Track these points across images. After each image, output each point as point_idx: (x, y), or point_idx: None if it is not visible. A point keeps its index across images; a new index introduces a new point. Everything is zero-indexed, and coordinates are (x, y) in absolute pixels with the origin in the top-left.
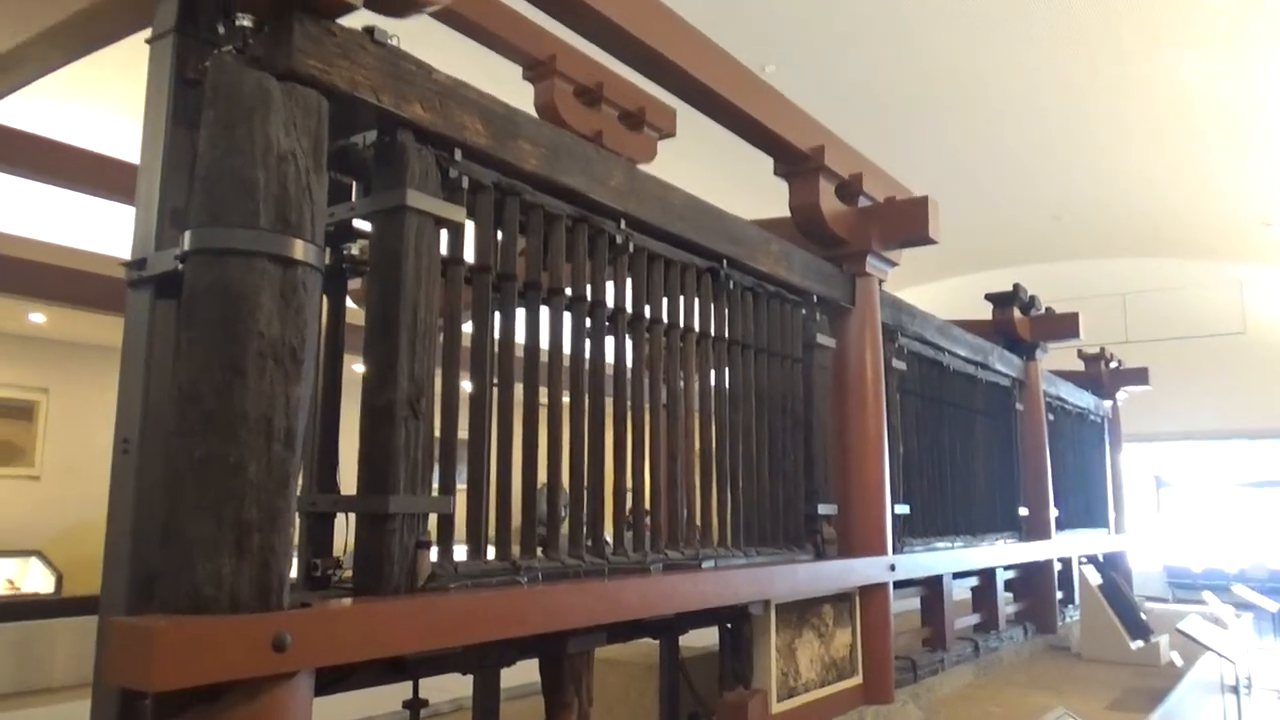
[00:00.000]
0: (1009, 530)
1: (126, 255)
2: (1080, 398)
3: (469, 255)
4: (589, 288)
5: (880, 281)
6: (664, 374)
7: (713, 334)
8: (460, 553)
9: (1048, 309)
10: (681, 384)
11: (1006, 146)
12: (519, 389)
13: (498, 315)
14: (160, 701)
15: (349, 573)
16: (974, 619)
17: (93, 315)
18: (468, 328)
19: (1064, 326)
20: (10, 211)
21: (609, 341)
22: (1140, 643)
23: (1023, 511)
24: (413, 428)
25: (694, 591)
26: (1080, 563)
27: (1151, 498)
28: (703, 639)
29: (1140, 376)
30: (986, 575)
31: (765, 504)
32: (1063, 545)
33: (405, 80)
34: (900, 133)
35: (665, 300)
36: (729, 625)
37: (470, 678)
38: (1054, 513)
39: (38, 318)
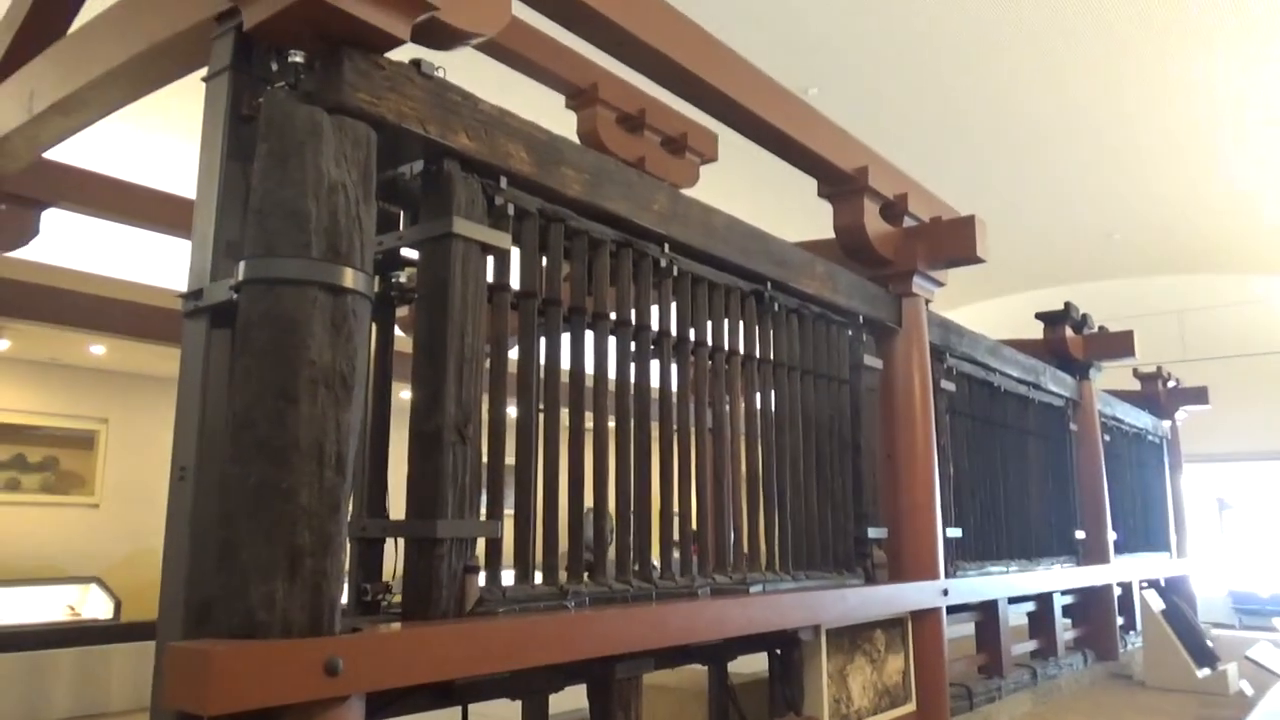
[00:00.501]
0: (1066, 554)
1: (184, 288)
2: (1137, 418)
3: (515, 281)
4: (633, 312)
5: (927, 301)
6: (709, 397)
7: (758, 356)
8: (508, 578)
9: (1101, 327)
10: (727, 407)
11: (1055, 164)
12: (565, 414)
13: (543, 340)
14: None
15: (398, 597)
16: (1031, 645)
17: (151, 347)
18: (514, 354)
19: (1118, 345)
20: (72, 247)
21: (654, 365)
22: (1207, 670)
23: (1079, 535)
24: (460, 453)
25: (742, 616)
26: (1141, 587)
27: (1214, 520)
28: (752, 665)
29: (1199, 395)
30: (1043, 600)
31: (814, 527)
32: (1122, 569)
33: (451, 110)
34: (945, 153)
35: (710, 323)
36: (779, 651)
37: (519, 703)
38: (1112, 536)
39: (98, 349)
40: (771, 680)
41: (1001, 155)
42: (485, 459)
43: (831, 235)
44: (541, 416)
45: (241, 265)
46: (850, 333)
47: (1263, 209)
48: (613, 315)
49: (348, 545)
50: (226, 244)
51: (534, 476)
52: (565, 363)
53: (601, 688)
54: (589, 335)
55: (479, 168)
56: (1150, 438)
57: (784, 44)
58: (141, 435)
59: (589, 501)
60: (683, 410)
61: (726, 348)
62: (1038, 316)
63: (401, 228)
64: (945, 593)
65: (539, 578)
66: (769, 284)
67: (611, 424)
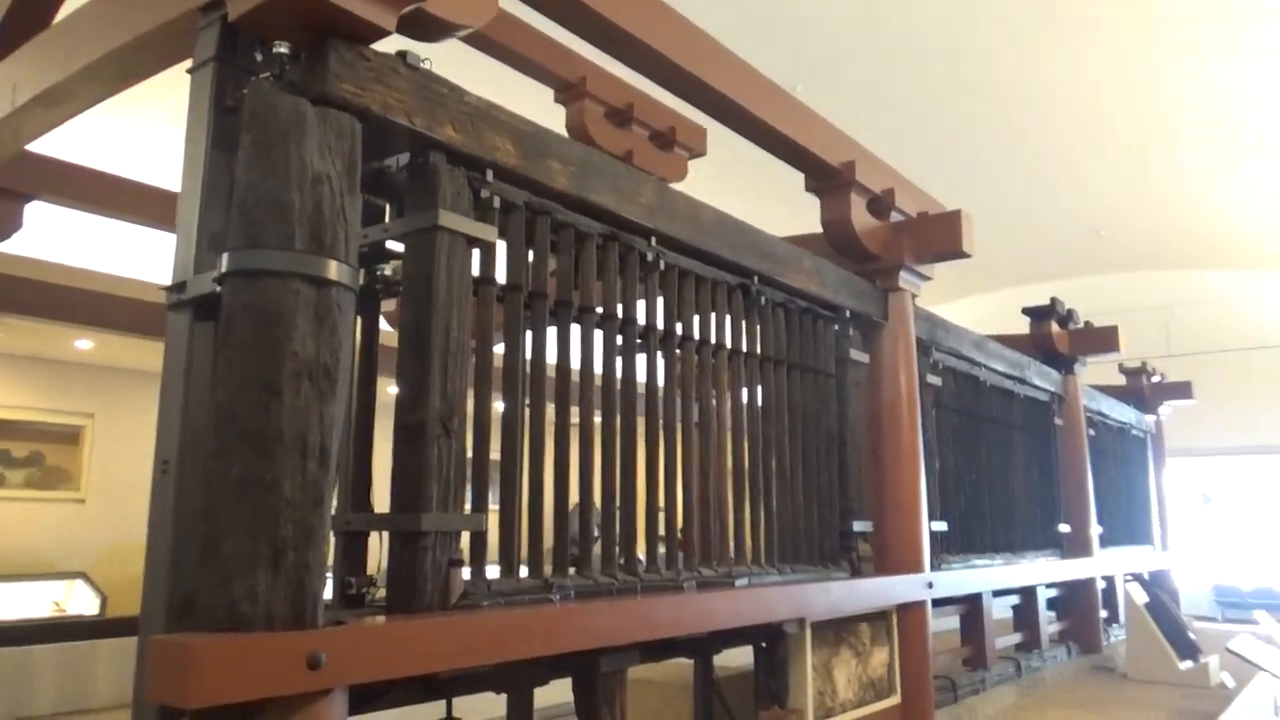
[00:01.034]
0: (1050, 547)
1: (168, 280)
2: (1122, 412)
3: (500, 275)
4: (620, 305)
5: (914, 296)
6: (696, 391)
7: (744, 350)
8: (493, 572)
9: (1086, 323)
10: (714, 401)
11: (1042, 160)
12: (550, 408)
13: (529, 334)
14: (198, 718)
15: (383, 591)
16: (1015, 638)
17: (137, 341)
18: (500, 348)
19: (1103, 340)
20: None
21: (640, 359)
22: (1189, 663)
23: (1064, 528)
24: (445, 446)
25: (728, 609)
26: (1125, 581)
27: (1197, 514)
28: (738, 658)
29: (1183, 390)
30: (1028, 593)
31: (799, 521)
32: (1106, 563)
33: (437, 103)
34: (932, 149)
35: (696, 317)
36: (764, 644)
37: (504, 697)
38: (1096, 529)
39: (84, 344)
40: (756, 673)
41: (989, 151)
42: (470, 452)
43: (819, 230)
44: (527, 410)
45: (225, 257)
46: (837, 327)
47: (1248, 206)
48: (599, 309)
49: (331, 538)
50: (210, 236)
51: (519, 471)
52: (551, 357)
53: (586, 681)
54: (575, 329)
55: (465, 160)
56: (1134, 432)
57: (772, 39)
58: (127, 430)
59: (574, 496)
60: (669, 404)
61: (713, 342)
62: (1024, 311)
63: (387, 220)
64: (930, 586)
65: (524, 571)
66: (756, 278)
67: (598, 418)
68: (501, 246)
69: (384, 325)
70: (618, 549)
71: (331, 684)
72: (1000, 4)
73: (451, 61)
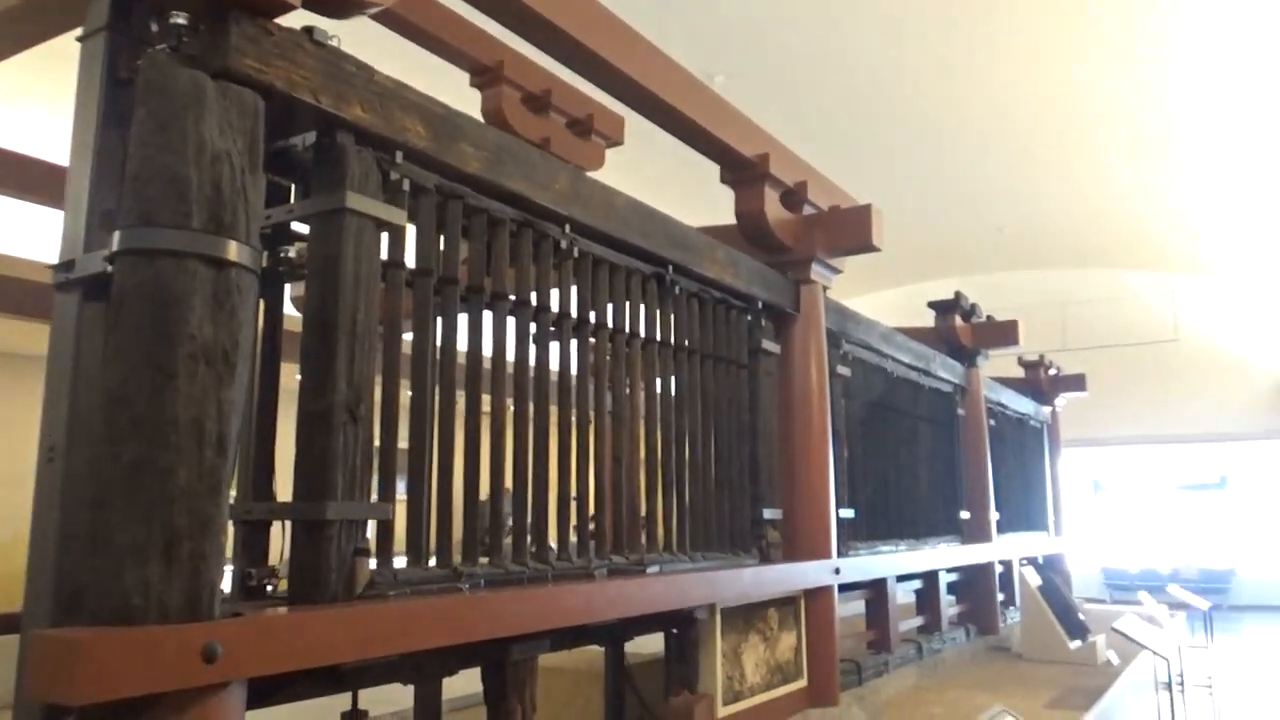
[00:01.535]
0: (951, 533)
1: (55, 259)
2: (1020, 404)
3: (411, 259)
4: (533, 293)
5: (825, 288)
6: (609, 380)
7: (658, 339)
8: (401, 562)
9: (989, 317)
10: (627, 390)
11: (951, 159)
12: (461, 396)
13: (439, 320)
14: (85, 716)
15: (285, 582)
16: (918, 621)
17: (17, 323)
18: (409, 335)
19: (1004, 334)
20: None
21: (554, 347)
22: (1078, 642)
23: (964, 515)
24: (351, 433)
25: (639, 596)
26: (1020, 565)
27: (1089, 501)
28: (649, 645)
29: (1078, 383)
30: (930, 578)
31: (711, 509)
32: (1004, 548)
33: (345, 81)
34: (846, 145)
35: (610, 305)
36: (674, 631)
37: (411, 688)
38: (995, 516)
39: None
40: (667, 660)
41: (900, 149)
42: (377, 440)
43: (733, 222)
44: (437, 398)
45: (117, 235)
46: (749, 318)
47: (1141, 209)
48: (512, 296)
49: (231, 528)
50: (101, 213)
51: (428, 459)
52: (463, 344)
53: (496, 670)
54: (487, 316)
55: (374, 141)
56: (1032, 423)
57: (690, 31)
58: (8, 417)
59: (485, 483)
60: (582, 393)
61: (627, 330)
62: (929, 305)
63: (292, 201)
64: (837, 571)
65: (433, 561)
66: (670, 267)
67: (510, 406)
68: (411, 231)
69: (290, 310)
70: (529, 537)
71: (228, 677)
72: (919, 12)
73: (364, 42)
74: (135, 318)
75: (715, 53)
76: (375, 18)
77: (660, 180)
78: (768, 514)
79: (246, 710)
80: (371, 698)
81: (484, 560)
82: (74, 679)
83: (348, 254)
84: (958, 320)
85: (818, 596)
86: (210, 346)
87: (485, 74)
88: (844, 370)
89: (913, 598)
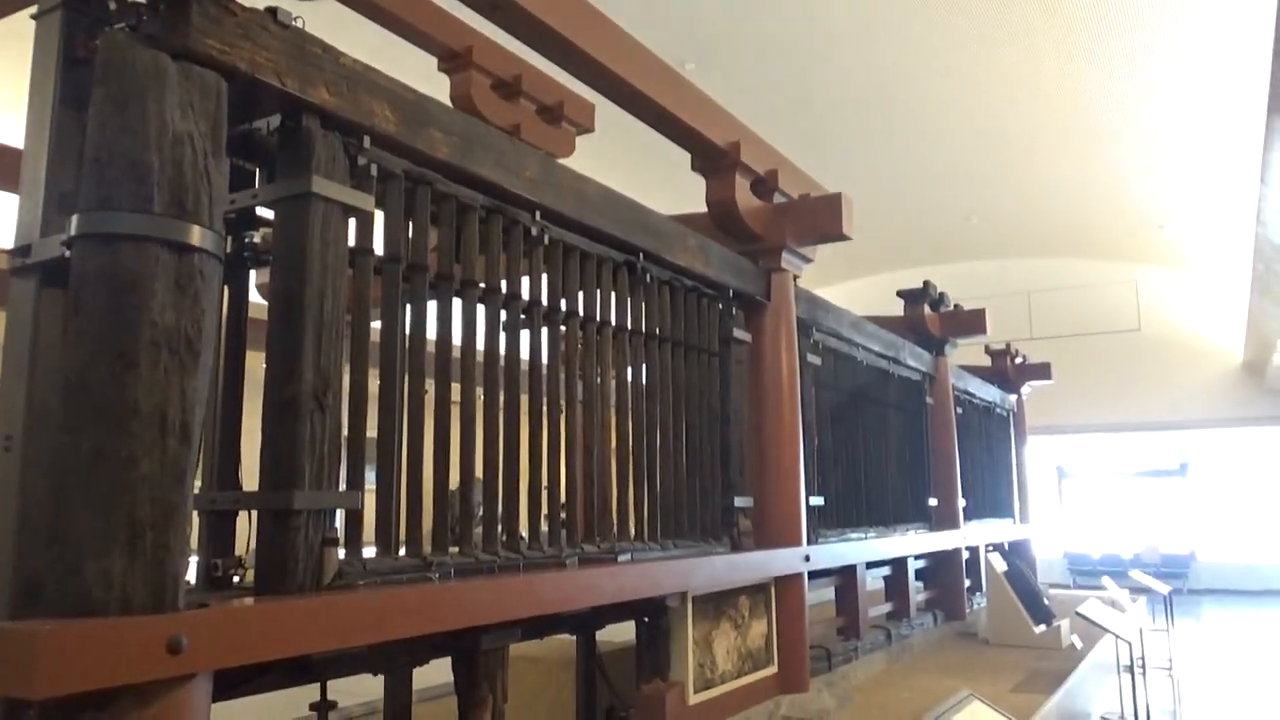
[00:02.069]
0: (920, 520)
1: (9, 244)
2: (987, 392)
3: (379, 246)
4: (503, 280)
5: (795, 277)
6: (580, 368)
7: (630, 327)
8: (370, 552)
9: (956, 306)
10: (598, 378)
11: (921, 149)
12: (430, 384)
13: (408, 308)
14: (46, 710)
15: (252, 573)
16: (886, 607)
17: None
18: (378, 323)
19: (971, 323)
20: None
21: (524, 335)
22: (1043, 627)
23: (932, 502)
24: (319, 422)
25: (610, 585)
26: (987, 551)
27: (1054, 488)
28: (620, 634)
29: (1043, 372)
30: (898, 565)
31: (682, 497)
32: (970, 534)
33: (311, 64)
34: (817, 134)
35: (581, 293)
36: (646, 619)
37: (381, 679)
38: (962, 503)
39: None
40: (639, 648)
41: (871, 139)
42: (345, 429)
43: (704, 210)
44: (406, 386)
45: (75, 219)
46: (721, 306)
47: (1106, 200)
48: (482, 284)
49: (196, 518)
50: (59, 196)
51: (397, 447)
52: (432, 332)
53: (467, 660)
54: (457, 303)
55: (341, 125)
56: (999, 410)
57: (662, 18)
58: None
59: (455, 474)
60: (553, 381)
61: (598, 318)
62: (898, 294)
63: (257, 185)
64: (807, 559)
65: (402, 551)
66: (641, 255)
67: (480, 395)
68: (379, 217)
69: (256, 297)
70: (500, 527)
71: (194, 669)
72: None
73: (328, 25)
74: (95, 304)
75: (687, 40)
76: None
77: (631, 168)
78: (739, 502)
79: (213, 702)
80: (341, 689)
81: (454, 550)
82: (34, 673)
83: (314, 240)
84: (926, 309)
85: (788, 583)
86: (173, 333)
87: (454, 59)
88: (814, 359)
89: (881, 584)
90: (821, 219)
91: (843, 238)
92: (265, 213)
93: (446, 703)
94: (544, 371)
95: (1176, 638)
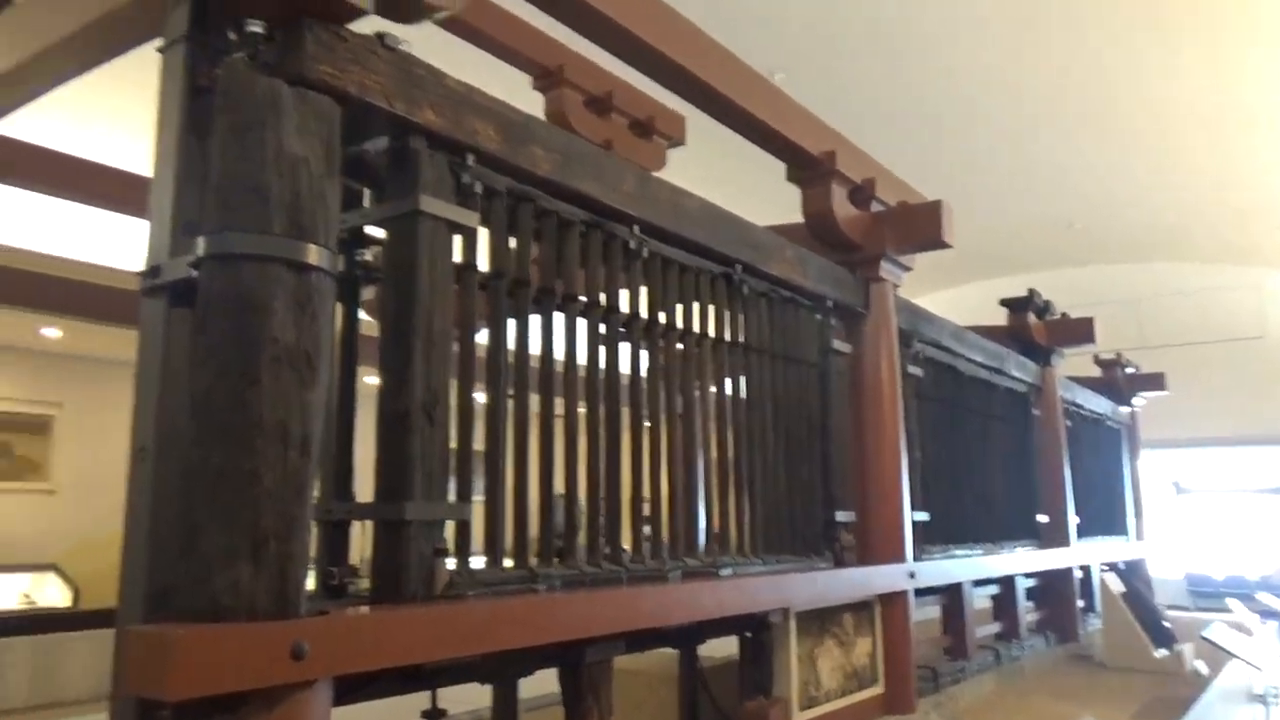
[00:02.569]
0: (1028, 537)
1: (139, 267)
2: (1097, 403)
3: (483, 262)
4: (603, 294)
5: (895, 286)
6: (679, 380)
7: (728, 339)
8: (478, 562)
9: (1063, 314)
10: (697, 391)
11: (1020, 152)
12: (535, 397)
13: (512, 322)
14: (179, 711)
15: (366, 582)
16: (995, 627)
17: (106, 329)
18: (482, 338)
19: (1079, 331)
20: (24, 226)
21: (624, 348)
22: (1164, 651)
23: (1042, 519)
24: (428, 435)
25: (712, 599)
26: (1101, 570)
27: (1171, 505)
28: (723, 648)
29: (1157, 382)
30: (1007, 583)
31: (783, 511)
32: (1083, 553)
33: (417, 85)
34: (912, 140)
35: (679, 306)
36: (748, 634)
37: (489, 688)
38: (1074, 520)
39: (52, 332)
40: (741, 663)
41: (967, 143)
42: (454, 441)
43: (800, 220)
44: (511, 400)
45: (200, 241)
46: (819, 317)
47: (1220, 199)
48: (582, 298)
49: (314, 529)
50: (185, 221)
51: (503, 460)
52: (534, 346)
53: (572, 671)
54: (558, 317)
55: (446, 145)
56: (1110, 423)
57: (753, 27)
58: (97, 420)
59: (559, 486)
60: (652, 393)
61: (696, 331)
62: (1002, 303)
63: (368, 205)
64: (912, 575)
65: (509, 562)
66: (739, 266)
67: (581, 408)
68: (483, 233)
69: (364, 315)
70: (602, 539)
71: (315, 675)
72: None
73: (428, 48)
74: (220, 322)
75: (776, 49)
76: (441, 23)
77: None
78: (840, 516)
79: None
80: (449, 697)
81: (558, 561)
82: (167, 675)
83: (422, 257)
84: (1031, 318)
85: (893, 601)
86: (292, 349)
87: (547, 77)
88: (915, 369)
89: (990, 603)
90: (921, 227)
91: (943, 245)
92: (375, 231)
93: (552, 712)
94: (643, 384)
95: None
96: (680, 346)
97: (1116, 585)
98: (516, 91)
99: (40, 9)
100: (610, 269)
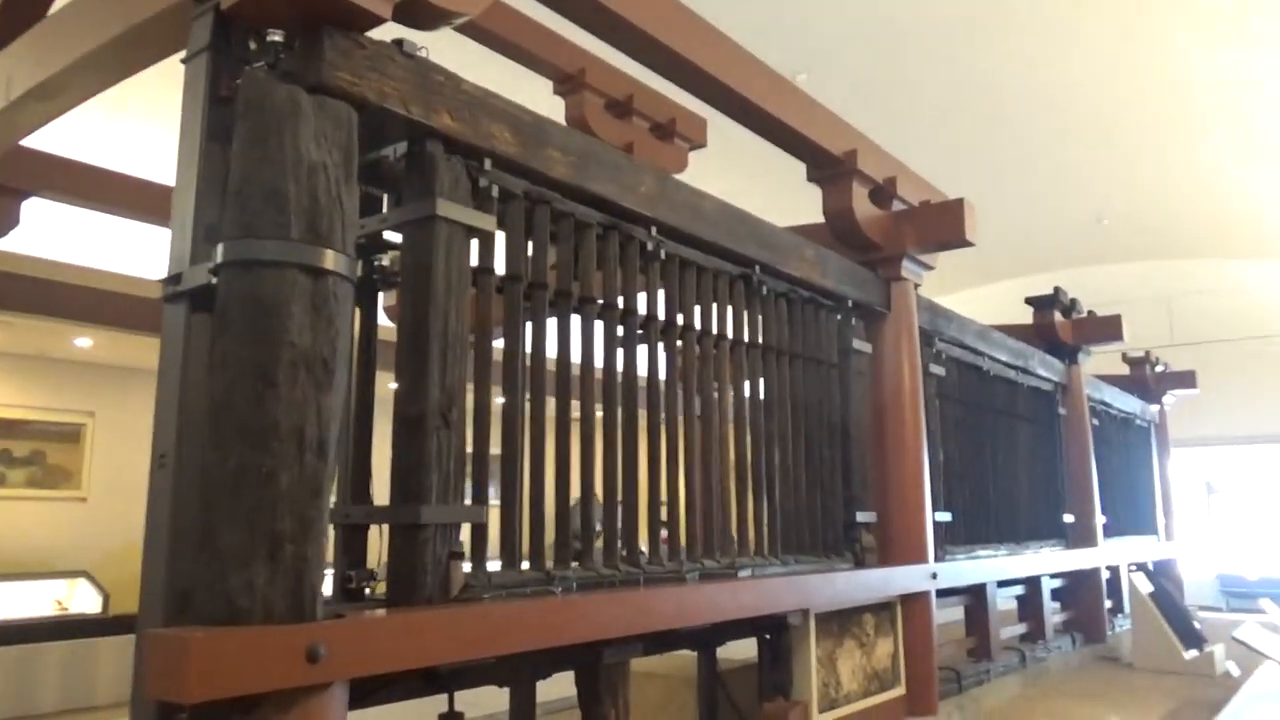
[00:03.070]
0: (1054, 537)
1: (158, 274)
2: (1125, 402)
3: (500, 265)
4: (620, 296)
5: (916, 285)
6: (697, 382)
7: (746, 340)
8: (495, 566)
9: (1090, 312)
10: (715, 392)
11: (1045, 149)
12: (551, 400)
13: (529, 325)
14: (197, 713)
15: (383, 585)
16: (1020, 628)
17: (137, 338)
18: (499, 342)
19: (1106, 329)
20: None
21: (641, 350)
22: (1194, 652)
23: (1068, 518)
24: (444, 438)
25: (731, 601)
26: (1129, 570)
27: (1202, 504)
28: (742, 651)
29: (1187, 380)
30: (1032, 584)
31: (802, 512)
32: (1110, 553)
33: (434, 91)
34: (934, 138)
35: (698, 307)
36: (768, 636)
37: (506, 691)
38: (1101, 519)
39: (84, 342)
40: (761, 665)
41: (991, 141)
42: (470, 445)
43: (820, 220)
44: (528, 403)
45: (220, 247)
46: (839, 317)
47: (1249, 195)
48: (599, 300)
49: (331, 532)
50: (206, 228)
51: (520, 463)
52: (551, 349)
53: (589, 674)
54: (575, 320)
55: (462, 149)
56: (1138, 422)
57: (774, 28)
58: (128, 428)
59: (575, 489)
60: (670, 395)
61: (715, 332)
62: (1027, 301)
63: (385, 210)
64: (934, 576)
65: (526, 565)
66: (757, 267)
67: (599, 411)
68: (500, 237)
69: (384, 320)
70: (620, 541)
71: (331, 677)
72: None
73: (449, 54)
74: (238, 327)
75: (798, 50)
76: (459, 28)
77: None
78: (861, 517)
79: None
80: (466, 700)
81: (575, 564)
82: (186, 677)
83: (439, 260)
84: (1057, 316)
85: (915, 602)
86: (310, 353)
87: (568, 81)
88: (937, 369)
89: (1014, 604)
90: (943, 226)
91: (965, 244)
92: (393, 235)
93: (570, 715)
94: (661, 386)
95: None
96: (698, 348)
97: (1145, 585)
98: (538, 97)
99: (70, 24)
100: (627, 271)
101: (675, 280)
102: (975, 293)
